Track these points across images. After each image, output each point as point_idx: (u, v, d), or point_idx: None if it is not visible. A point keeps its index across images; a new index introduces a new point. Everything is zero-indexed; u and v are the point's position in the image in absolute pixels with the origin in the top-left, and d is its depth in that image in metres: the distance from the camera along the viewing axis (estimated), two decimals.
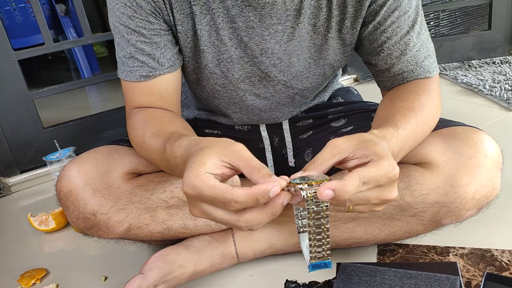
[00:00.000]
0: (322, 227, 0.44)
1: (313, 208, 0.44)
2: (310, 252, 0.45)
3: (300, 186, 0.43)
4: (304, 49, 0.71)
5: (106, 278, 0.80)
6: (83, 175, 0.67)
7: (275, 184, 0.43)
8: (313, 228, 0.44)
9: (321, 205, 0.44)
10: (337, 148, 0.48)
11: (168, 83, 0.70)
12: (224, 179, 0.47)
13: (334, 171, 0.55)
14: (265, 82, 0.74)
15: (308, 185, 0.43)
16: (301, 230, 0.49)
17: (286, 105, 0.80)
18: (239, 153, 0.46)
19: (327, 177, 0.45)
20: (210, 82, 0.75)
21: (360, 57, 0.76)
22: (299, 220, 0.49)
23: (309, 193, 0.43)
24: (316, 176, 0.46)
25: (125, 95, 0.72)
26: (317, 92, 0.84)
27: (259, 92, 0.76)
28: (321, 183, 0.43)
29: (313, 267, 0.46)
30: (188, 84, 0.80)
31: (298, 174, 0.47)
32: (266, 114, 0.81)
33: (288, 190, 0.45)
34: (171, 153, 0.54)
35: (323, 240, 0.45)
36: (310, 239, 0.44)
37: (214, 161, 0.46)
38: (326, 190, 0.42)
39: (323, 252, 0.45)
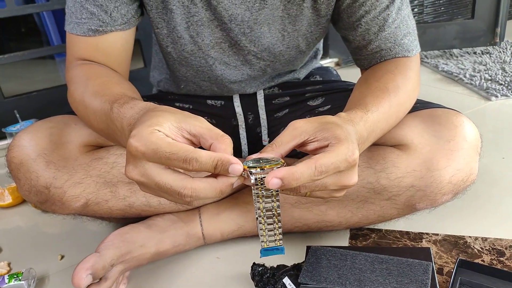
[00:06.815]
0: (273, 210, 0.43)
1: (262, 193, 0.42)
2: (261, 235, 0.43)
3: (251, 170, 0.41)
4: (277, 18, 0.67)
5: (62, 257, 0.75)
6: (36, 145, 0.61)
7: (239, 165, 0.40)
8: (263, 212, 0.43)
9: (271, 190, 0.42)
10: (297, 130, 0.45)
11: (117, 42, 0.64)
12: None
13: (302, 154, 0.52)
14: (235, 50, 0.70)
15: (261, 169, 0.41)
16: (256, 213, 0.47)
17: (257, 78, 0.76)
18: (201, 122, 0.42)
19: (281, 160, 0.43)
20: (177, 48, 0.70)
21: (338, 32, 0.72)
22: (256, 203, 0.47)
23: (259, 177, 0.41)
24: (271, 158, 0.43)
25: (68, 46, 0.66)
26: (293, 68, 0.80)
27: (229, 61, 0.72)
28: (275, 167, 0.41)
29: (265, 251, 0.44)
30: (161, 48, 0.74)
31: (254, 156, 0.44)
32: (235, 85, 0.76)
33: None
34: (119, 114, 0.49)
35: (274, 225, 0.43)
36: (260, 223, 0.43)
37: (171, 125, 0.41)
38: (274, 179, 0.40)
39: (275, 237, 0.44)
